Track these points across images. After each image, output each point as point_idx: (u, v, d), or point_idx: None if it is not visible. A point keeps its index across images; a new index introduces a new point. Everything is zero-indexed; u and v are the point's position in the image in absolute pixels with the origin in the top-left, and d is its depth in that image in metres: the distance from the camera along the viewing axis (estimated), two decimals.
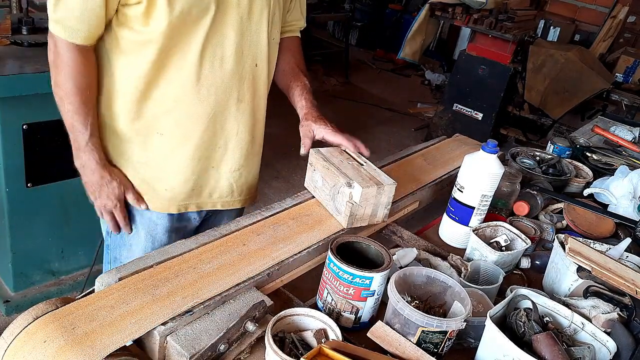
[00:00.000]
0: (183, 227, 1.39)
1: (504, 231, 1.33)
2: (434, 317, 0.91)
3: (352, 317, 1.01)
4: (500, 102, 4.48)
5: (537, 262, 1.32)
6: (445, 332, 0.92)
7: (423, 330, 0.91)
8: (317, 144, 1.37)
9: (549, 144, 2.01)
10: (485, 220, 1.36)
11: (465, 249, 1.30)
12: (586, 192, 1.68)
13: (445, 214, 1.40)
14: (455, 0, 4.48)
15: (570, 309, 1.04)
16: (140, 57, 1.17)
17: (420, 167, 1.62)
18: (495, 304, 1.02)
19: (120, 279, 0.96)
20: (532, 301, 1.01)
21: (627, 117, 3.26)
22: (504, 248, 1.29)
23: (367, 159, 1.32)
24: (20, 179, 2.07)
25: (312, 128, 1.35)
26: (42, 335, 0.81)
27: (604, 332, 1.00)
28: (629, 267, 1.18)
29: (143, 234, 1.34)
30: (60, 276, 2.41)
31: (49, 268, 2.36)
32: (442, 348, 0.94)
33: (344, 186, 1.20)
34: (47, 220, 2.23)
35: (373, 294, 1.00)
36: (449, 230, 1.38)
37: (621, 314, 1.07)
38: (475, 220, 1.34)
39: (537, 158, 1.82)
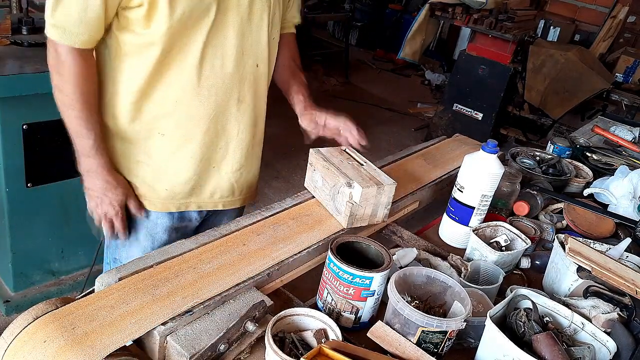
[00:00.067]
0: (183, 227, 1.39)
1: (504, 231, 1.33)
2: (434, 317, 0.91)
3: (352, 317, 1.01)
4: (500, 102, 4.48)
5: (537, 262, 1.32)
6: (445, 332, 0.92)
7: (423, 330, 0.91)
8: (316, 143, 1.37)
9: (549, 144, 2.01)
10: (485, 220, 1.36)
11: (465, 249, 1.30)
12: (586, 192, 1.68)
13: (445, 214, 1.40)
14: (455, 0, 4.48)
15: (570, 309, 1.04)
16: (142, 60, 1.17)
17: (420, 167, 1.62)
18: (495, 304, 1.02)
19: (120, 279, 0.96)
20: (532, 301, 1.01)
21: (627, 117, 3.26)
22: (504, 248, 1.29)
23: (367, 159, 1.32)
24: (20, 179, 2.07)
25: (314, 114, 1.39)
26: (42, 335, 0.81)
27: (604, 332, 1.00)
28: (629, 267, 1.18)
29: (143, 233, 1.34)
30: (60, 276, 2.41)
31: (49, 268, 2.36)
32: (442, 348, 0.94)
33: (344, 186, 1.20)
34: (47, 220, 2.22)
35: (373, 294, 1.00)
36: (449, 230, 1.38)
37: (621, 314, 1.07)
38: (475, 220, 1.34)
39: (537, 158, 1.82)
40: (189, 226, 1.40)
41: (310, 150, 1.33)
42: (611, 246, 1.28)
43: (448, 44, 7.14)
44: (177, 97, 1.22)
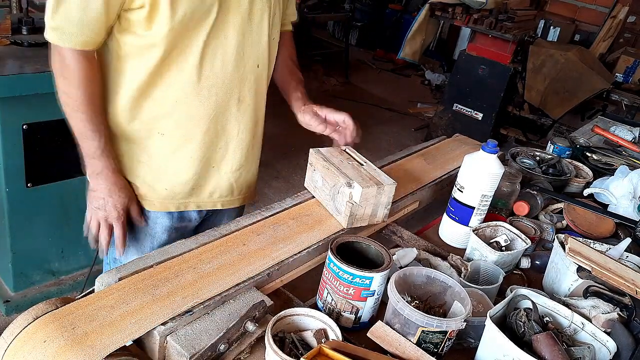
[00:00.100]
0: (183, 226, 1.38)
1: (504, 231, 1.33)
2: (434, 317, 0.91)
3: (352, 317, 1.01)
4: (500, 102, 4.48)
5: (537, 262, 1.32)
6: (445, 332, 0.92)
7: (423, 330, 0.91)
8: (317, 143, 1.37)
9: (549, 144, 2.01)
10: (485, 220, 1.36)
11: (465, 249, 1.30)
12: (586, 192, 1.68)
13: (445, 214, 1.40)
14: (455, 0, 4.48)
15: (570, 309, 1.04)
16: (143, 61, 1.17)
17: (420, 167, 1.62)
18: (495, 304, 1.01)
19: (120, 279, 0.96)
20: (532, 301, 1.01)
21: (627, 117, 3.26)
22: (504, 248, 1.29)
23: (366, 158, 1.32)
24: (20, 179, 2.07)
25: (314, 107, 1.41)
26: (42, 335, 0.81)
27: (604, 332, 1.00)
28: (629, 267, 1.18)
29: (142, 233, 1.34)
30: (60, 276, 2.41)
31: (49, 268, 2.36)
32: (442, 348, 0.94)
33: (344, 186, 1.20)
34: (47, 220, 2.23)
35: (373, 294, 1.00)
36: (449, 230, 1.38)
37: (621, 314, 1.07)
38: (475, 220, 1.34)
39: (537, 158, 1.82)
40: (188, 226, 1.40)
41: (310, 150, 1.33)
42: (611, 246, 1.28)
43: (448, 44, 7.15)
44: (177, 97, 1.22)
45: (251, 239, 1.13)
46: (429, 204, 1.55)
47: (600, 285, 1.14)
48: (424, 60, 6.55)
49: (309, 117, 1.41)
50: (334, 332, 0.89)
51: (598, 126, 2.36)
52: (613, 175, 1.70)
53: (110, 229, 1.29)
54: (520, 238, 1.30)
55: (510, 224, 1.36)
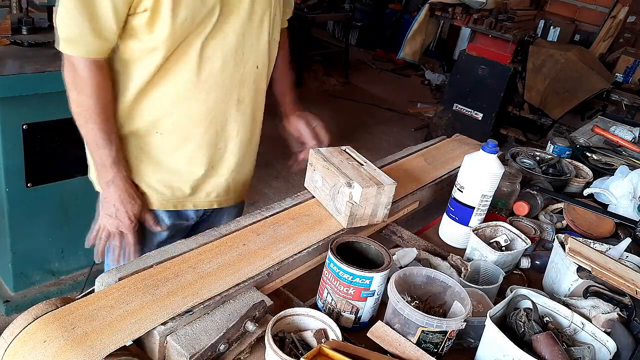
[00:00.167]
0: (180, 224, 1.38)
1: (504, 231, 1.33)
2: (434, 317, 0.91)
3: (352, 317, 1.01)
4: (500, 102, 4.48)
5: (537, 262, 1.32)
6: (445, 332, 0.92)
7: (423, 330, 0.91)
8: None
9: (549, 144, 2.00)
10: (485, 220, 1.36)
11: (465, 249, 1.30)
12: (586, 192, 1.68)
13: (445, 214, 1.40)
14: (455, 0, 4.48)
15: (570, 309, 1.04)
16: (145, 64, 1.17)
17: (420, 167, 1.62)
18: (495, 304, 1.02)
19: (120, 279, 0.96)
20: (532, 301, 1.01)
21: (627, 117, 3.26)
22: (504, 248, 1.29)
23: (366, 158, 1.32)
24: (20, 179, 2.07)
25: (306, 115, 1.49)
26: (42, 335, 0.81)
27: (604, 332, 1.00)
28: (629, 267, 1.18)
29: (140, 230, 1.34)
30: (60, 276, 2.41)
31: (49, 268, 2.36)
32: (442, 348, 0.94)
33: (344, 186, 1.20)
34: (47, 220, 2.23)
35: (373, 294, 1.00)
36: (449, 230, 1.38)
37: (621, 314, 1.07)
38: (475, 220, 1.34)
39: (537, 158, 1.82)
40: (185, 224, 1.40)
41: (310, 150, 1.33)
42: (611, 246, 1.28)
43: (448, 44, 7.14)
44: (176, 98, 1.22)
45: (251, 239, 1.13)
46: (429, 204, 1.55)
47: (600, 285, 1.14)
48: (424, 60, 6.55)
49: (302, 126, 1.46)
50: (334, 332, 0.89)
51: (598, 126, 2.36)
52: (613, 175, 1.70)
53: (122, 237, 1.29)
54: (520, 238, 1.30)
55: (510, 224, 1.36)
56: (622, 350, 0.98)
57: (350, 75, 6.38)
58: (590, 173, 1.83)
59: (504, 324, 0.99)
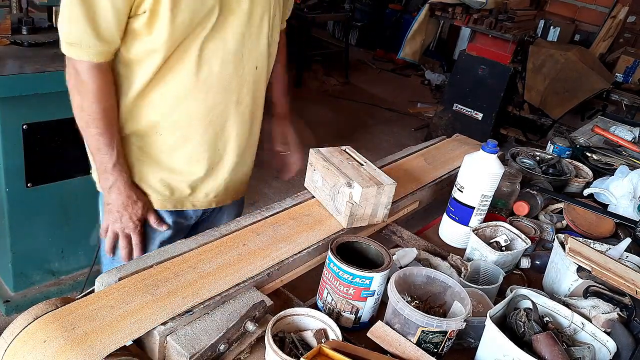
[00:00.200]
0: (180, 223, 1.38)
1: (504, 231, 1.33)
2: (434, 317, 0.91)
3: (352, 317, 1.02)
4: (500, 102, 4.48)
5: (537, 262, 1.32)
6: (445, 332, 0.92)
7: (423, 330, 0.91)
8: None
9: (549, 144, 2.00)
10: (485, 220, 1.36)
11: (465, 249, 1.30)
12: (586, 192, 1.68)
13: (445, 214, 1.40)
14: (455, 0, 4.48)
15: (570, 309, 1.04)
16: (145, 66, 1.17)
17: (420, 167, 1.62)
18: (495, 304, 1.02)
19: (120, 279, 0.96)
20: (532, 301, 1.01)
21: (627, 117, 3.26)
22: (504, 248, 1.29)
23: (366, 158, 1.32)
24: (20, 179, 2.07)
25: (289, 133, 1.59)
26: (42, 335, 0.81)
27: (604, 332, 1.00)
28: (629, 267, 1.18)
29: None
30: (60, 276, 2.41)
31: (49, 268, 2.36)
32: (442, 348, 0.94)
33: (344, 186, 1.20)
34: (47, 220, 2.23)
35: (373, 294, 1.00)
36: (449, 230, 1.38)
37: (621, 314, 1.07)
38: (475, 220, 1.34)
39: (537, 158, 1.82)
40: (184, 223, 1.40)
41: (310, 150, 1.33)
42: (611, 246, 1.28)
43: (448, 44, 7.14)
44: (175, 99, 1.22)
45: (251, 239, 1.13)
46: (429, 204, 1.55)
47: (600, 285, 1.14)
48: (424, 60, 6.55)
49: (287, 135, 1.55)
50: (334, 332, 0.89)
51: (598, 126, 2.36)
52: (613, 175, 1.70)
53: (129, 238, 1.29)
54: (520, 238, 1.30)
55: (510, 224, 1.36)
56: (622, 350, 0.98)
57: (350, 75, 6.38)
58: (590, 173, 1.83)
59: (504, 324, 0.99)
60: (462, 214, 1.34)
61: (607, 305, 1.09)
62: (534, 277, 1.30)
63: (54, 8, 2.16)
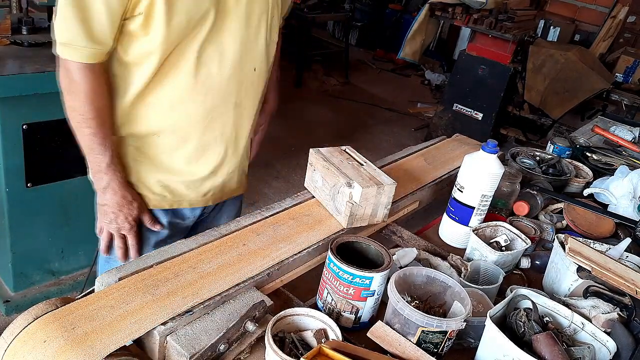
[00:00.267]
0: (177, 223, 1.38)
1: (504, 231, 1.33)
2: (434, 317, 0.91)
3: (352, 317, 1.02)
4: (500, 102, 4.48)
5: (537, 262, 1.32)
6: (445, 332, 0.92)
7: (423, 330, 0.91)
8: (316, 144, 1.37)
9: (549, 144, 2.01)
10: (485, 220, 1.36)
11: (465, 249, 1.30)
12: (586, 192, 1.68)
13: (445, 214, 1.40)
14: (455, 0, 4.48)
15: (570, 309, 1.04)
16: (142, 68, 1.17)
17: (420, 167, 1.62)
18: (495, 304, 1.02)
19: (120, 279, 0.96)
20: (532, 301, 1.01)
21: (627, 117, 3.26)
22: (504, 248, 1.29)
23: (366, 158, 1.32)
24: (20, 179, 2.07)
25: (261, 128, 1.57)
26: (42, 335, 0.81)
27: (604, 332, 1.00)
28: (629, 267, 1.18)
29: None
30: (60, 276, 2.41)
31: (49, 268, 2.36)
32: (442, 348, 0.94)
33: (344, 186, 1.20)
34: (47, 220, 2.23)
35: (373, 294, 1.00)
36: (449, 230, 1.38)
37: (621, 314, 1.07)
38: (475, 220, 1.34)
39: (537, 158, 1.82)
40: (182, 223, 1.40)
41: (310, 150, 1.33)
42: (611, 246, 1.28)
43: (448, 44, 7.14)
44: (173, 101, 1.21)
45: (251, 239, 1.13)
46: (429, 204, 1.55)
47: (600, 285, 1.14)
48: (424, 60, 6.55)
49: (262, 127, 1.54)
50: (334, 332, 0.89)
51: (598, 126, 2.36)
52: (613, 175, 1.70)
53: (124, 239, 1.29)
54: (520, 238, 1.30)
55: (510, 224, 1.36)
56: (622, 350, 0.98)
57: (350, 75, 6.39)
58: (590, 173, 1.83)
59: (504, 324, 0.99)
60: (462, 214, 1.34)
61: (607, 305, 1.09)
62: (534, 277, 1.30)
63: (54, 8, 2.16)
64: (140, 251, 1.32)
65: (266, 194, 3.61)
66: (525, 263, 1.32)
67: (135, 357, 0.85)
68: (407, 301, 0.94)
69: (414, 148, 1.75)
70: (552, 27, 5.61)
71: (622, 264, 1.18)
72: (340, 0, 6.69)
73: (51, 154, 2.09)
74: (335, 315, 1.01)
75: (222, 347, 0.86)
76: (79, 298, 0.91)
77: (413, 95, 6.28)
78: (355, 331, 1.01)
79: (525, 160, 1.79)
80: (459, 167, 1.35)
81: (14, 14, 2.20)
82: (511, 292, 1.05)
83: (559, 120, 4.37)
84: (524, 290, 1.04)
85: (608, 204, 1.64)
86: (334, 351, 0.82)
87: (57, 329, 0.82)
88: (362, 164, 1.29)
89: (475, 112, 4.58)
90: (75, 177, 2.16)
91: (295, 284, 1.12)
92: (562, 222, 1.51)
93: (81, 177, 2.11)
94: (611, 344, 0.97)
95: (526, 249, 1.30)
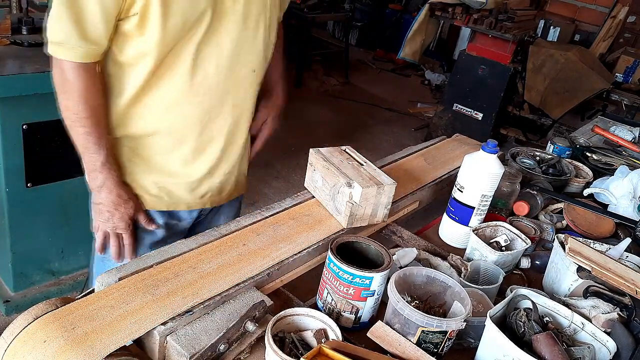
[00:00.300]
0: (174, 224, 1.38)
1: (504, 231, 1.33)
2: (434, 317, 0.91)
3: (352, 317, 1.02)
4: (500, 102, 4.48)
5: (537, 262, 1.32)
6: (445, 332, 0.92)
7: (423, 330, 0.91)
8: (316, 143, 1.37)
9: (549, 144, 2.01)
10: (485, 220, 1.36)
11: (465, 249, 1.30)
12: (586, 192, 1.68)
13: (445, 214, 1.40)
14: (455, 0, 4.48)
15: (570, 309, 1.04)
16: (138, 69, 1.16)
17: (420, 167, 1.62)
18: (495, 304, 1.02)
19: (120, 279, 0.96)
20: (532, 301, 1.01)
21: (627, 117, 3.26)
22: (504, 248, 1.29)
23: (366, 158, 1.32)
24: (20, 179, 2.07)
25: (269, 121, 1.51)
26: (42, 335, 0.81)
27: (604, 332, 1.00)
28: (629, 267, 1.18)
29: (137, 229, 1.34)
30: (60, 276, 2.41)
31: (49, 268, 2.36)
32: (442, 348, 0.94)
33: (344, 186, 1.20)
34: (47, 220, 2.23)
35: (373, 294, 1.00)
36: (449, 230, 1.38)
37: (621, 314, 1.07)
38: (475, 220, 1.34)
39: (537, 158, 1.82)
40: (179, 225, 1.39)
41: (310, 150, 1.33)
42: (611, 246, 1.28)
43: (448, 44, 7.14)
44: (170, 102, 1.21)
45: (251, 239, 1.13)
46: (429, 204, 1.55)
47: (600, 285, 1.14)
48: (424, 60, 6.55)
49: (266, 122, 1.48)
50: (334, 332, 0.89)
51: (598, 126, 2.36)
52: (613, 175, 1.70)
53: (120, 238, 1.29)
54: (520, 238, 1.30)
55: (510, 224, 1.36)
56: (622, 350, 0.98)
57: (350, 75, 6.39)
58: (590, 173, 1.83)
59: (504, 324, 0.99)
60: (462, 214, 1.34)
61: (607, 305, 1.09)
62: (534, 277, 1.30)
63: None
64: (135, 251, 1.31)
65: (266, 194, 3.61)
66: (525, 263, 1.32)
67: (135, 357, 0.85)
68: (407, 301, 0.94)
69: (414, 148, 1.75)
70: (552, 27, 5.61)
71: (622, 264, 1.18)
72: (340, 0, 6.69)
73: (51, 154, 2.09)
74: (335, 315, 1.01)
75: (222, 347, 0.86)
76: (79, 298, 0.91)
77: (413, 95, 6.28)
78: (355, 331, 1.01)
79: (525, 160, 1.79)
80: (459, 167, 1.35)
81: (14, 14, 2.20)
82: (511, 292, 1.05)
83: (559, 120, 4.37)
84: (524, 290, 1.04)
85: (608, 204, 1.64)
86: (334, 351, 0.82)
87: (57, 329, 0.82)
88: (362, 164, 1.29)
89: (475, 112, 4.58)
90: (75, 177, 2.16)
91: (295, 284, 1.12)
92: (562, 222, 1.51)
93: (81, 177, 2.09)
94: (611, 344, 0.97)
95: (526, 249, 1.30)
